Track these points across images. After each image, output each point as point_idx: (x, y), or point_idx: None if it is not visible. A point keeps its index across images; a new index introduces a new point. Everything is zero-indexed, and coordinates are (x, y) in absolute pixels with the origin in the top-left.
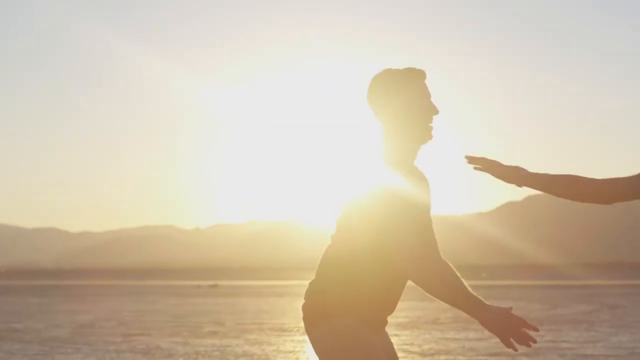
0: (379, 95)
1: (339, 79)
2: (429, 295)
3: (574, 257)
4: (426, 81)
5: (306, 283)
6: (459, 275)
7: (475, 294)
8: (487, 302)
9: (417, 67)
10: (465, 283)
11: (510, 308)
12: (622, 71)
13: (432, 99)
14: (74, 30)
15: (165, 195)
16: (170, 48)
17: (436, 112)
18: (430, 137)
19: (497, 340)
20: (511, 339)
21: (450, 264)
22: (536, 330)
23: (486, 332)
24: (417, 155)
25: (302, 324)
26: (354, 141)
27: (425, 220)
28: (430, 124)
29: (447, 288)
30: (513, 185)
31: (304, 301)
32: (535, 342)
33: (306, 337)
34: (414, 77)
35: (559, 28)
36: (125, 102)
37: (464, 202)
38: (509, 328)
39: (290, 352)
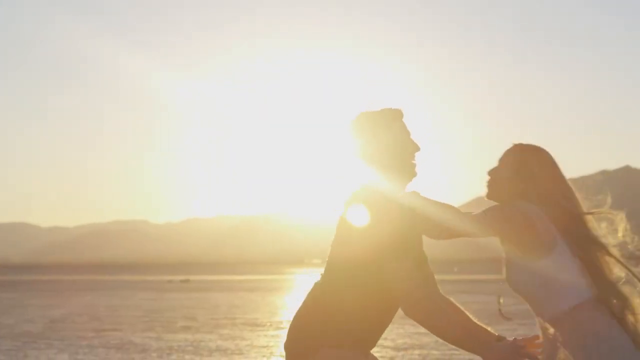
0: (357, 140)
1: (315, 74)
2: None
3: None
4: (404, 120)
5: (278, 277)
6: (462, 309)
7: (481, 328)
8: (493, 336)
9: (393, 108)
10: (471, 317)
11: (515, 340)
12: (621, 71)
13: (412, 136)
14: (51, 26)
15: (137, 190)
16: (149, 44)
17: (417, 149)
18: (415, 174)
19: None
20: None
21: (451, 300)
22: None
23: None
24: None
25: (275, 319)
26: (327, 141)
27: (423, 255)
28: (413, 162)
29: (451, 327)
30: (484, 178)
31: (287, 338)
32: None
33: (280, 332)
34: (391, 119)
35: (556, 28)
36: (97, 98)
37: (435, 195)
38: None
39: (264, 346)
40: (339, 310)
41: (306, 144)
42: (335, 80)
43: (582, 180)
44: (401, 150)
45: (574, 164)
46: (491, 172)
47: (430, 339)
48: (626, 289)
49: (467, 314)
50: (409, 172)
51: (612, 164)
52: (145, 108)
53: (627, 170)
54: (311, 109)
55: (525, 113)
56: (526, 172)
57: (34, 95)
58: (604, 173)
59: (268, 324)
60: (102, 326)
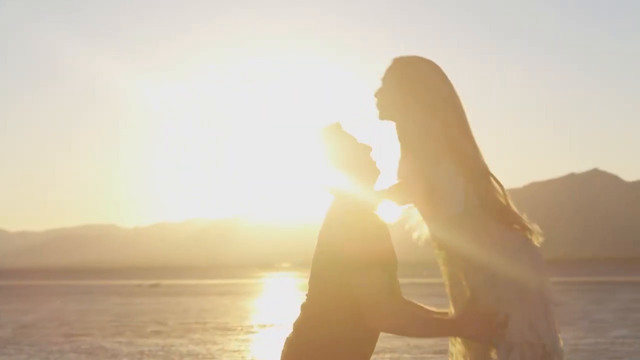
0: (326, 145)
1: (309, 76)
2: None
3: None
4: (345, 129)
5: (248, 282)
6: (423, 306)
7: (443, 314)
8: (452, 314)
9: (331, 122)
10: (430, 308)
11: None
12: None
13: (361, 140)
14: (19, 28)
15: (106, 194)
16: (117, 47)
17: (370, 149)
18: (379, 171)
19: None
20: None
21: (411, 301)
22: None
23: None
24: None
25: (246, 323)
26: (292, 143)
27: (392, 263)
28: (372, 160)
29: (425, 327)
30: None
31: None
32: None
33: (251, 336)
34: (339, 132)
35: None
36: (65, 101)
37: None
38: (491, 330)
39: (235, 351)
40: (329, 330)
41: (276, 146)
42: (316, 84)
43: (550, 184)
44: (356, 157)
45: (543, 167)
46: (377, 94)
47: (401, 342)
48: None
49: (427, 307)
50: (374, 170)
51: (581, 167)
52: (114, 111)
53: (595, 172)
54: (289, 111)
55: (493, 116)
56: (407, 85)
57: (1, 99)
58: (572, 176)
59: (239, 328)
60: (73, 331)
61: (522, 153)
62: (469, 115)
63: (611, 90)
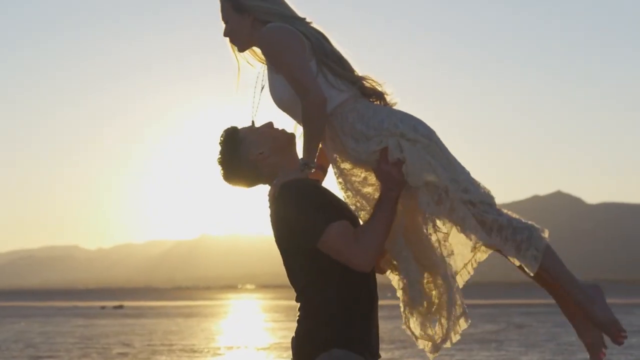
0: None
1: None
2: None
3: (477, 276)
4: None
5: (212, 303)
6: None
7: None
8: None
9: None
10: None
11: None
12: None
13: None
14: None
15: (68, 215)
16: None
17: (270, 124)
18: (291, 136)
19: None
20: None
21: (363, 225)
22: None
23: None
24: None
25: (212, 345)
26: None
27: (339, 207)
28: (278, 131)
29: (385, 230)
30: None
31: (293, 336)
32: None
33: (218, 358)
34: (235, 136)
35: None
36: (28, 123)
37: None
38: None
39: None
40: (324, 313)
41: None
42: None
43: (514, 206)
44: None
45: (507, 189)
46: (225, 34)
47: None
48: None
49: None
50: (286, 139)
51: (544, 189)
52: (76, 134)
53: (558, 195)
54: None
55: (456, 139)
56: (238, 6)
57: None
58: (536, 198)
59: (205, 350)
60: (39, 353)
61: (486, 176)
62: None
63: (575, 113)
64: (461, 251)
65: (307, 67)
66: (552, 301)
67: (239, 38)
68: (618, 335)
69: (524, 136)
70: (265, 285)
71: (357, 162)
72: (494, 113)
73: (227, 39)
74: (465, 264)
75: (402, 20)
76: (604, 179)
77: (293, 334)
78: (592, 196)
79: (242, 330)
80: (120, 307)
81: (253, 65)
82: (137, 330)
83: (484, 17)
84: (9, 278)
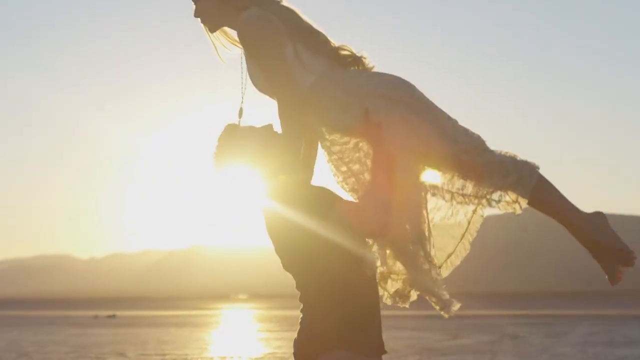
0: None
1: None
2: None
3: (471, 286)
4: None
5: (205, 313)
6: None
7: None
8: None
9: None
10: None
11: None
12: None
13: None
14: None
15: (60, 224)
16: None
17: (270, 126)
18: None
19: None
20: None
21: (347, 200)
22: None
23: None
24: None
25: (204, 354)
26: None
27: (328, 197)
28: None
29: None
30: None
31: (296, 337)
32: None
33: None
34: (235, 133)
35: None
36: (18, 130)
37: None
38: None
39: None
40: (326, 313)
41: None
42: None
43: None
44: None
45: None
46: (195, 14)
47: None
48: None
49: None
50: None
51: None
52: (69, 142)
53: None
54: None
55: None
56: None
57: None
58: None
59: (198, 359)
60: None
61: None
62: None
63: (545, 123)
64: (445, 245)
65: (283, 68)
66: (546, 312)
67: (209, 18)
68: (627, 259)
69: (523, 137)
70: (258, 295)
71: (345, 131)
72: (494, 113)
73: (199, 19)
74: (450, 254)
75: (402, 20)
76: (596, 190)
77: (292, 337)
78: (587, 208)
79: (235, 340)
80: (113, 316)
81: (229, 49)
82: (131, 339)
83: (484, 17)
84: (1, 287)
